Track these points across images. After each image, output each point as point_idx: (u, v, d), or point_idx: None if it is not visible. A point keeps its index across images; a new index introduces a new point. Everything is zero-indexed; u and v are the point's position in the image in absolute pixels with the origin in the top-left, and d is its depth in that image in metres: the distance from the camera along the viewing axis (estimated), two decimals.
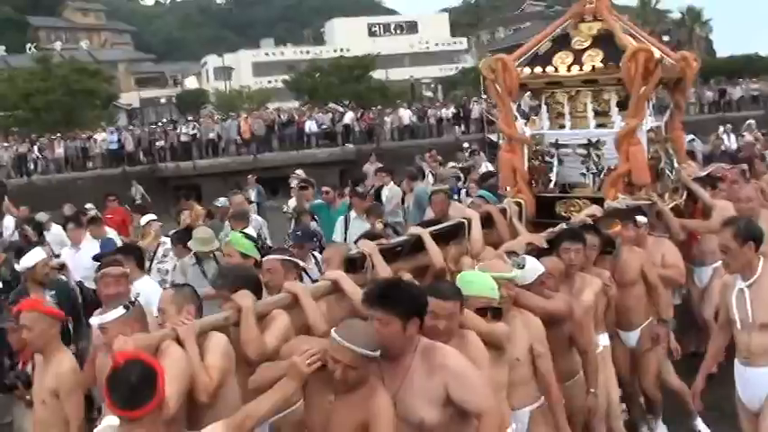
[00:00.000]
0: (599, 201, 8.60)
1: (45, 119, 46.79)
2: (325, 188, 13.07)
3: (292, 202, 14.29)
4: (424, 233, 7.08)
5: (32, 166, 39.46)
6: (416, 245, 7.02)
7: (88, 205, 18.78)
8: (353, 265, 6.43)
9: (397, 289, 4.70)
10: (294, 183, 15.67)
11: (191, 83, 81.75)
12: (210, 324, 5.33)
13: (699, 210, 9.38)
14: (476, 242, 7.51)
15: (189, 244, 9.51)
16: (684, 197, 9.57)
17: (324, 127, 43.73)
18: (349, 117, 43.82)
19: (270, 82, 71.73)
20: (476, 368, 4.81)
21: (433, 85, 75.00)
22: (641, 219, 8.07)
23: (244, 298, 5.50)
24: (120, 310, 5.18)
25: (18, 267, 8.56)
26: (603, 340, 7.10)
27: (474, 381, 4.63)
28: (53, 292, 8.19)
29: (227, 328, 5.42)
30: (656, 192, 8.91)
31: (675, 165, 9.51)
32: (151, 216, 12.94)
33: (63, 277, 8.69)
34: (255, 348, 5.31)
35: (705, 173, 10.39)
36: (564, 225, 7.61)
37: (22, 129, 46.08)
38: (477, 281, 5.56)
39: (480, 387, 4.65)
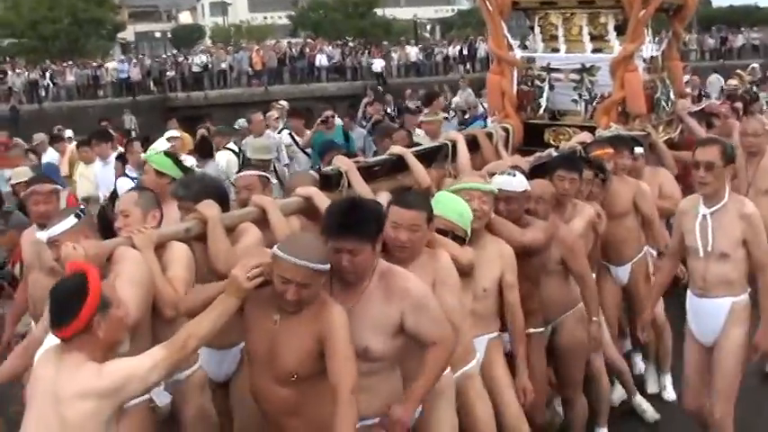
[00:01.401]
0: (590, 129, 7.93)
1: (51, 48, 46.11)
2: (327, 113, 12.22)
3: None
4: (406, 152, 6.46)
5: (44, 93, 38.91)
6: (397, 165, 6.46)
7: (68, 132, 18.06)
8: (328, 183, 5.83)
9: (361, 210, 4.02)
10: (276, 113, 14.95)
11: (185, 18, 79.61)
12: (170, 235, 4.71)
13: (693, 144, 8.76)
14: (462, 164, 6.80)
15: (248, 155, 9.00)
16: (678, 131, 8.96)
17: (334, 61, 43.14)
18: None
19: (266, 18, 69.99)
20: (438, 291, 4.37)
21: (429, 26, 73.25)
22: (638, 149, 7.34)
23: (209, 207, 4.85)
24: (72, 220, 4.49)
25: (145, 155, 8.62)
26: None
27: (433, 311, 4.12)
28: None
29: (189, 243, 4.84)
30: (651, 123, 8.28)
31: (671, 96, 8.87)
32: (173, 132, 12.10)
33: None
34: (226, 261, 4.62)
35: (699, 108, 9.77)
36: (553, 151, 7.00)
37: (28, 56, 45.36)
38: (448, 203, 4.96)
39: (439, 317, 4.13)
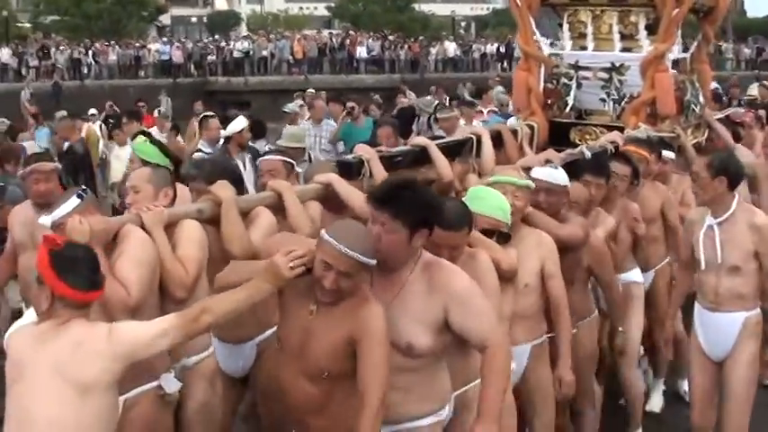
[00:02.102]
0: (618, 129, 7.61)
1: (93, 26, 46.32)
2: (349, 104, 12.04)
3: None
4: (430, 143, 6.23)
5: (86, 71, 39.05)
6: (420, 158, 6.30)
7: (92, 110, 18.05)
8: (349, 171, 5.61)
9: (411, 192, 3.71)
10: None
11: (221, 4, 78.53)
12: (182, 215, 4.53)
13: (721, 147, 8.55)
14: (486, 160, 6.57)
15: (278, 142, 8.94)
16: (705, 136, 8.70)
17: (373, 53, 43.01)
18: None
19: (301, 8, 69.87)
20: (484, 294, 3.99)
21: (465, 23, 72.63)
22: (668, 153, 7.12)
23: (223, 188, 4.66)
24: (74, 201, 4.27)
25: (225, 132, 9.39)
26: (636, 276, 6.37)
27: (480, 307, 3.78)
28: None
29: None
30: (680, 125, 8.04)
31: (701, 99, 8.60)
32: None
33: None
34: (241, 244, 4.48)
35: (724, 114, 9.52)
36: (585, 149, 6.79)
37: (71, 34, 45.42)
38: (489, 198, 4.66)
39: (487, 315, 3.79)
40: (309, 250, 3.64)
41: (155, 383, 4.13)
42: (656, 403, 6.96)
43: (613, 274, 5.73)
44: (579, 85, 8.20)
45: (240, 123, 9.41)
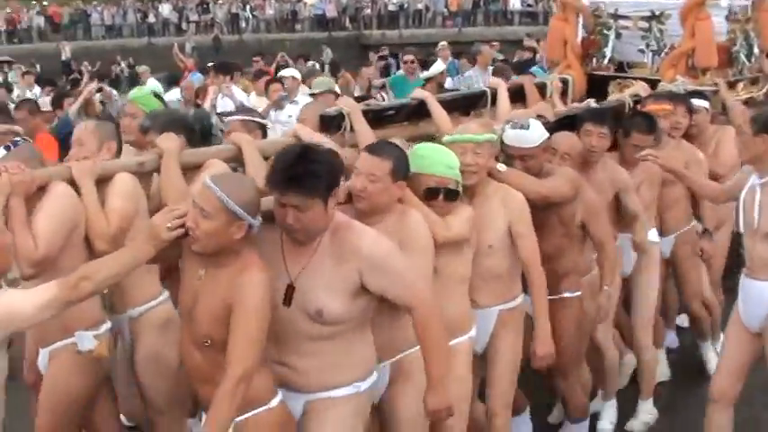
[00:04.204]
0: (656, 82, 7.06)
1: None
2: (406, 57, 11.60)
3: None
4: (428, 96, 5.83)
5: (244, 25, 39.75)
6: (418, 112, 5.94)
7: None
8: (329, 124, 5.28)
9: (311, 161, 3.40)
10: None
11: None
12: (120, 167, 4.36)
13: None
14: (502, 114, 6.06)
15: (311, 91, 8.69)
16: (766, 90, 7.83)
17: (528, 5, 41.98)
18: None
19: None
20: (404, 253, 3.74)
21: None
22: (701, 103, 6.41)
23: (167, 140, 4.45)
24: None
25: (427, 74, 10.46)
26: (651, 236, 5.81)
27: (397, 267, 3.53)
28: None
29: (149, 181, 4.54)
30: (728, 79, 7.34)
31: (755, 51, 7.77)
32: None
33: None
34: (177, 198, 4.19)
35: None
36: (592, 102, 6.17)
37: None
38: (431, 155, 4.25)
39: (406, 275, 3.54)
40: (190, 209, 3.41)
41: (71, 340, 4.11)
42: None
43: (608, 233, 5.20)
44: (618, 36, 7.60)
45: (439, 66, 10.28)
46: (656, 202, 5.90)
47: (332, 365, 3.57)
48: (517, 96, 6.70)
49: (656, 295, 5.91)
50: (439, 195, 4.19)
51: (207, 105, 10.21)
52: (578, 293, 5.08)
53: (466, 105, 6.40)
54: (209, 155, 4.73)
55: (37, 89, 14.69)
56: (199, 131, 5.21)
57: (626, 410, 5.86)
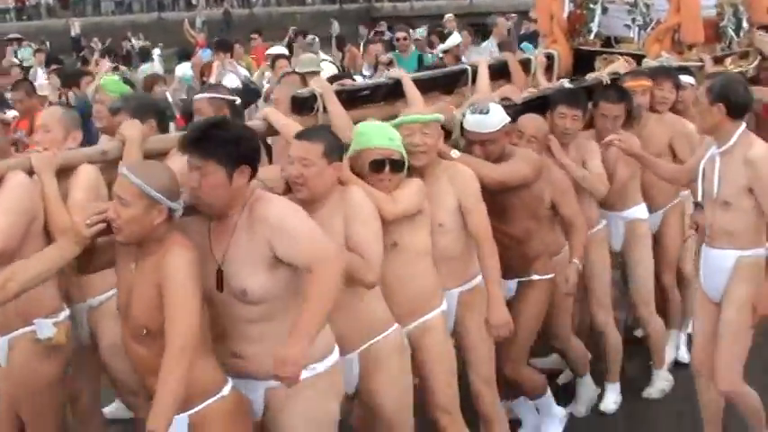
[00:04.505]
0: (641, 58, 6.92)
1: None
2: (399, 34, 11.48)
3: None
4: (404, 76, 5.72)
5: None
6: (398, 91, 5.76)
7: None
8: (301, 106, 5.17)
9: (222, 130, 3.48)
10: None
11: None
12: (82, 158, 4.34)
13: None
14: (481, 92, 5.96)
15: (296, 68, 8.46)
16: (756, 63, 7.61)
17: None
18: None
19: None
20: (350, 227, 3.86)
21: None
22: (687, 79, 6.31)
23: (130, 128, 4.44)
24: None
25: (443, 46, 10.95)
26: (640, 213, 5.85)
27: (297, 228, 3.45)
28: None
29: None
30: (716, 54, 7.18)
31: (744, 25, 7.59)
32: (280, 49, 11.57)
33: None
34: None
35: None
36: (566, 82, 6.08)
37: None
38: (369, 131, 4.27)
39: (305, 236, 3.44)
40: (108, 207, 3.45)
41: (30, 328, 4.11)
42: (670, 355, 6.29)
43: (578, 212, 5.22)
44: (605, 10, 7.42)
45: (455, 39, 10.70)
46: (641, 177, 5.83)
47: (265, 350, 3.48)
48: (503, 73, 6.60)
49: (651, 270, 5.91)
50: (385, 167, 4.18)
51: (213, 81, 10.17)
52: (549, 276, 5.06)
53: (447, 84, 6.28)
54: (173, 141, 4.62)
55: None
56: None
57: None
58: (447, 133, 4.94)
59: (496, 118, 4.80)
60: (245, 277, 3.45)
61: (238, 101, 5.58)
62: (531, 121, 5.22)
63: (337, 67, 10.57)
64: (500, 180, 4.73)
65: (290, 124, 4.71)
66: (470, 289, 4.64)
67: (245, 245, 3.48)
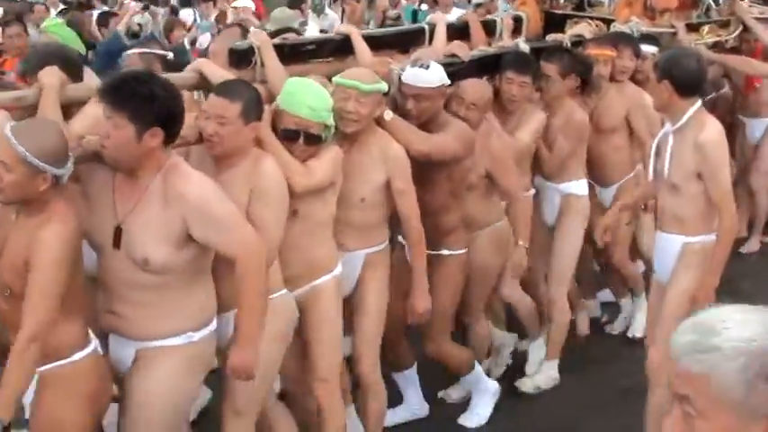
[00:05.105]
0: (610, 23, 6.59)
1: None
2: None
3: None
4: (353, 31, 5.43)
5: None
6: (348, 47, 5.52)
7: None
8: (239, 59, 4.99)
9: (139, 84, 3.31)
10: None
11: None
12: None
13: (759, 51, 7.24)
14: (433, 52, 5.50)
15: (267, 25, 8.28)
16: (736, 34, 7.28)
17: None
18: None
19: None
20: (255, 204, 3.69)
21: None
22: (649, 48, 6.04)
23: (47, 75, 4.08)
24: None
25: None
26: (577, 188, 5.60)
27: (222, 215, 3.36)
28: None
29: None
30: (689, 20, 6.87)
31: None
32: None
33: None
34: None
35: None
36: (521, 42, 5.73)
37: None
38: (297, 93, 4.02)
39: (232, 225, 3.37)
40: None
41: None
42: (638, 327, 6.06)
43: (515, 184, 5.02)
44: None
45: None
46: (584, 152, 5.62)
47: (162, 315, 3.45)
48: (464, 34, 6.30)
49: (576, 252, 5.64)
50: (298, 139, 3.96)
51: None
52: (460, 252, 4.87)
53: (403, 42, 5.99)
54: (89, 90, 4.37)
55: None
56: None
57: None
58: None
59: (435, 75, 4.57)
60: (148, 246, 3.33)
61: (170, 56, 5.37)
62: (472, 87, 4.92)
63: None
64: (427, 152, 4.51)
65: (226, 77, 4.45)
66: (377, 251, 4.49)
67: (155, 213, 3.34)
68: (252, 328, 3.37)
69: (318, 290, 4.17)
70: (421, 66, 4.57)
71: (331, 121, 4.06)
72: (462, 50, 5.37)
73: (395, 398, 5.01)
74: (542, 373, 5.60)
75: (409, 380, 5.14)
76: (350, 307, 4.51)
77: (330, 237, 4.24)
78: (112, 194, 3.40)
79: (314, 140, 4.00)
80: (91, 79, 5.26)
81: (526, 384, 5.57)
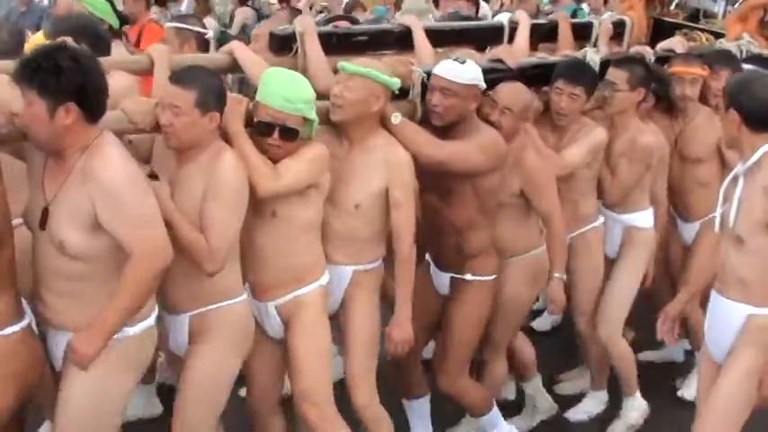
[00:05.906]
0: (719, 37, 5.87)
1: None
2: None
3: None
4: (417, 24, 5.01)
5: None
6: (402, 40, 5.04)
7: None
8: (281, 45, 4.60)
9: (46, 59, 3.08)
10: None
11: None
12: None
13: None
14: (514, 53, 5.09)
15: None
16: None
17: None
18: None
19: None
20: (209, 200, 3.41)
21: None
22: (751, 68, 5.28)
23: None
24: None
25: None
26: (642, 220, 5.02)
27: (130, 207, 3.12)
28: None
29: None
30: None
31: None
32: None
33: None
34: None
35: None
36: (590, 51, 5.10)
37: None
38: (271, 83, 3.68)
39: (137, 219, 3.13)
40: None
41: None
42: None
43: (555, 205, 4.44)
44: None
45: None
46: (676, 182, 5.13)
47: (88, 306, 3.22)
48: (551, 36, 5.78)
49: (632, 290, 5.01)
50: (273, 133, 3.62)
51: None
52: (487, 278, 4.35)
53: (478, 39, 5.57)
54: (114, 63, 4.22)
55: None
56: None
57: None
58: (405, 92, 4.25)
59: (469, 73, 4.08)
60: (63, 228, 3.16)
61: (209, 34, 5.15)
62: (507, 90, 4.36)
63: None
64: (440, 160, 4.04)
65: (258, 63, 4.24)
66: (366, 270, 4.08)
67: (73, 193, 3.16)
68: (110, 322, 3.14)
69: (302, 300, 3.82)
70: (456, 60, 4.13)
71: (312, 115, 3.69)
72: (510, 56, 4.85)
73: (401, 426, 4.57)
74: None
75: (419, 411, 4.71)
76: (336, 326, 4.15)
77: (316, 243, 3.89)
78: (42, 175, 3.25)
79: (290, 135, 3.64)
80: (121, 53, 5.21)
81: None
